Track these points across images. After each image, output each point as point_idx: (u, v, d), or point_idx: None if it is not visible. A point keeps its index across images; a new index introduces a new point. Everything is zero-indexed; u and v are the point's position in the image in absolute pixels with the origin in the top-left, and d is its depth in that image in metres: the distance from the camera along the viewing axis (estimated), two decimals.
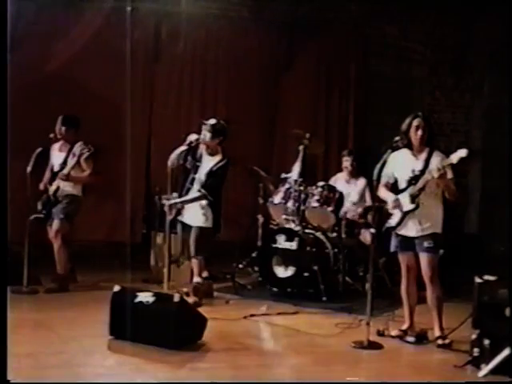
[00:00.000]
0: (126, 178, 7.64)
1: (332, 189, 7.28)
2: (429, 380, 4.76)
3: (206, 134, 6.45)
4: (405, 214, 5.34)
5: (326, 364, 4.96)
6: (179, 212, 6.50)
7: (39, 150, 6.74)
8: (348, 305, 6.53)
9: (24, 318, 5.58)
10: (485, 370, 4.65)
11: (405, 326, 5.59)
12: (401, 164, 5.43)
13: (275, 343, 5.81)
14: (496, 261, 7.52)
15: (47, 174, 7.04)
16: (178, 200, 6.43)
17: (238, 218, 8.46)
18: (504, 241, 8.03)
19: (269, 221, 7.71)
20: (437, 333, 5.39)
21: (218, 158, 6.51)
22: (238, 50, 8.92)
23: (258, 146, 9.14)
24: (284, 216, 7.21)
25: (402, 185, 5.42)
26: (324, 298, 6.75)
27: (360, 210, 7.32)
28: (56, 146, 7.03)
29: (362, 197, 7.54)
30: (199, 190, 6.43)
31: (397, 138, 5.42)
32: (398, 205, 5.35)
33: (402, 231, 5.41)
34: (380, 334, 5.54)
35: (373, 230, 5.55)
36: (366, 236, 7.08)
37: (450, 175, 5.21)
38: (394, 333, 5.57)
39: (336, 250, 7.10)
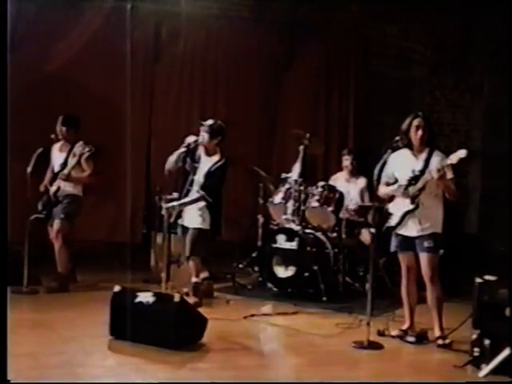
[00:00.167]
0: (127, 178, 7.64)
1: (332, 189, 7.28)
2: (429, 380, 4.77)
3: (204, 135, 6.43)
4: (405, 214, 5.34)
5: (327, 364, 4.96)
6: (179, 215, 6.49)
7: (40, 150, 6.74)
8: (348, 305, 6.52)
9: (24, 318, 5.57)
10: (485, 370, 4.65)
11: (405, 326, 5.59)
12: (401, 164, 5.43)
13: (275, 343, 5.81)
14: (496, 261, 7.53)
15: (48, 175, 7.04)
16: (176, 203, 6.41)
17: (239, 218, 8.46)
18: (504, 241, 8.03)
19: (269, 221, 7.71)
20: (437, 333, 5.39)
21: (216, 158, 6.49)
22: (238, 50, 8.92)
23: (258, 146, 9.15)
24: (284, 216, 7.21)
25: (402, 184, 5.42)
26: (324, 298, 6.75)
27: (354, 207, 7.32)
28: (56, 147, 7.03)
29: (361, 196, 7.54)
30: (198, 192, 6.42)
31: (397, 138, 5.42)
32: (402, 191, 5.32)
33: (402, 231, 5.41)
34: (380, 334, 5.54)
35: (373, 230, 5.55)
36: (366, 236, 7.09)
37: (450, 175, 5.21)
38: (394, 333, 5.57)
39: (336, 249, 7.10)
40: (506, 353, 4.56)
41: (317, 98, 9.52)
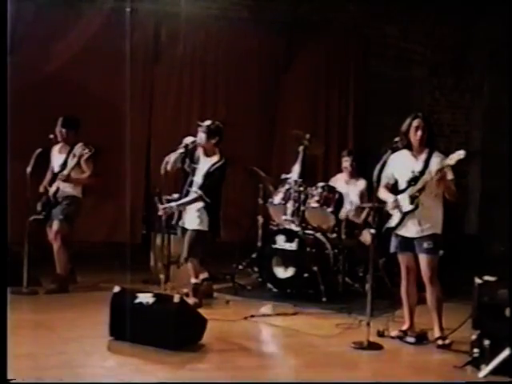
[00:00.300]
0: (126, 179, 7.63)
1: (332, 189, 7.28)
2: (429, 380, 4.77)
3: (201, 136, 6.43)
4: (404, 215, 5.34)
5: (326, 365, 4.95)
6: (180, 215, 6.49)
7: (39, 150, 6.74)
8: (348, 305, 6.51)
9: (24, 319, 5.57)
10: (485, 370, 4.65)
11: (405, 327, 5.59)
12: (401, 165, 5.43)
13: (275, 344, 5.81)
14: (496, 261, 7.53)
15: (48, 176, 7.04)
16: (174, 204, 6.40)
17: (238, 218, 8.46)
18: (504, 241, 8.03)
19: (269, 221, 7.71)
20: (437, 333, 5.38)
21: (215, 158, 6.48)
22: (238, 50, 8.93)
23: (257, 146, 9.15)
24: (284, 217, 7.21)
25: (402, 185, 5.42)
26: (324, 299, 6.75)
27: (363, 216, 7.32)
28: (56, 148, 7.04)
29: (361, 197, 7.54)
30: (195, 192, 6.42)
31: (396, 139, 5.42)
32: (397, 205, 5.35)
33: (402, 232, 5.41)
34: (380, 334, 5.54)
35: (373, 231, 5.55)
36: (366, 237, 7.08)
37: (450, 176, 5.21)
38: (393, 333, 5.57)
39: (336, 250, 7.09)
40: (505, 353, 4.56)
41: (316, 98, 9.53)
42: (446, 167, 5.11)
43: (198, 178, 6.45)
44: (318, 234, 7.19)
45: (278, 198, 7.31)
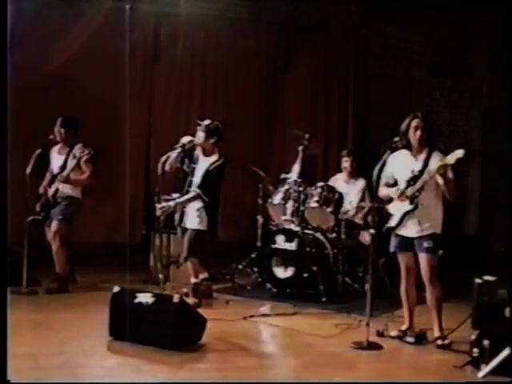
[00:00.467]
0: (126, 179, 7.63)
1: (331, 189, 7.28)
2: (428, 380, 4.78)
3: (200, 135, 6.43)
4: (404, 215, 5.34)
5: (326, 365, 4.95)
6: (182, 216, 6.48)
7: (38, 151, 6.74)
8: (347, 305, 6.52)
9: (23, 319, 5.58)
10: (484, 370, 4.65)
11: (404, 327, 5.59)
12: (400, 165, 5.43)
13: (275, 344, 5.81)
14: (495, 261, 7.52)
15: (47, 177, 7.04)
16: (172, 203, 6.40)
17: (238, 218, 8.47)
18: (503, 241, 8.04)
19: (268, 221, 7.71)
20: (436, 333, 5.39)
21: (214, 158, 6.48)
22: (237, 50, 8.92)
23: (257, 146, 9.15)
24: (283, 217, 7.21)
25: (402, 185, 5.42)
26: (323, 299, 6.75)
27: (361, 214, 7.32)
28: (55, 149, 7.03)
29: (361, 197, 7.54)
30: (194, 190, 6.41)
31: (396, 139, 5.42)
32: (402, 192, 5.32)
33: (402, 231, 5.41)
34: (379, 334, 5.54)
35: (372, 231, 5.55)
36: (366, 237, 7.08)
37: (450, 175, 5.21)
38: (393, 333, 5.57)
39: (335, 250, 7.09)
40: (505, 353, 4.57)
41: (316, 98, 9.53)
42: (444, 167, 5.11)
43: (197, 178, 6.45)
44: (318, 234, 7.20)
45: (277, 198, 7.31)
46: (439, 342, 5.33)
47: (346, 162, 7.66)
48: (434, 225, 5.34)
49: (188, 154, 6.49)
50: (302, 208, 7.16)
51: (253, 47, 9.04)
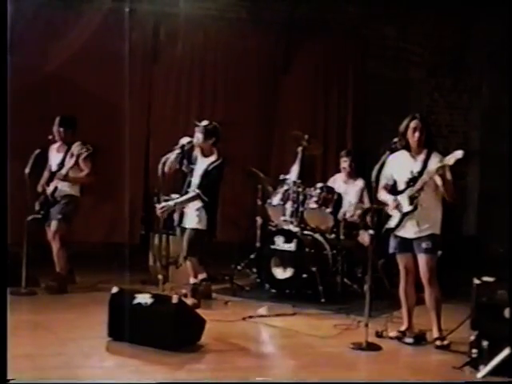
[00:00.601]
0: (125, 179, 7.63)
1: (330, 190, 7.28)
2: (427, 381, 4.77)
3: (198, 136, 6.44)
4: (403, 216, 5.34)
5: (325, 365, 4.95)
6: (182, 217, 6.48)
7: (37, 151, 6.73)
8: (346, 306, 6.51)
9: (22, 320, 5.56)
10: (483, 371, 4.65)
11: (403, 328, 5.59)
12: (399, 165, 5.43)
13: (273, 345, 5.81)
14: (494, 262, 7.53)
15: (45, 175, 7.03)
16: (171, 203, 6.40)
17: (237, 219, 8.46)
18: (502, 242, 8.04)
19: (267, 222, 7.70)
20: (435, 334, 5.39)
21: (212, 158, 6.47)
22: (236, 51, 8.94)
23: (256, 147, 9.16)
24: (282, 217, 7.21)
25: (401, 186, 5.42)
26: (322, 300, 6.75)
27: (359, 211, 7.32)
28: (54, 147, 7.03)
29: (360, 198, 7.54)
30: (193, 190, 6.41)
31: (395, 140, 5.42)
32: (397, 204, 5.34)
33: (401, 232, 5.41)
34: (378, 335, 5.54)
35: (371, 232, 5.55)
36: (365, 237, 7.08)
37: (448, 176, 5.21)
38: (392, 334, 5.57)
39: (334, 251, 7.09)
40: (504, 354, 4.57)
41: (315, 99, 9.54)
42: (443, 167, 5.11)
43: (196, 178, 6.45)
44: (317, 235, 7.19)
45: (276, 199, 7.32)
46: (438, 342, 5.33)
47: (344, 163, 7.66)
48: (433, 225, 5.34)
49: (187, 155, 6.49)
50: (301, 209, 7.16)
51: (252, 48, 9.05)
